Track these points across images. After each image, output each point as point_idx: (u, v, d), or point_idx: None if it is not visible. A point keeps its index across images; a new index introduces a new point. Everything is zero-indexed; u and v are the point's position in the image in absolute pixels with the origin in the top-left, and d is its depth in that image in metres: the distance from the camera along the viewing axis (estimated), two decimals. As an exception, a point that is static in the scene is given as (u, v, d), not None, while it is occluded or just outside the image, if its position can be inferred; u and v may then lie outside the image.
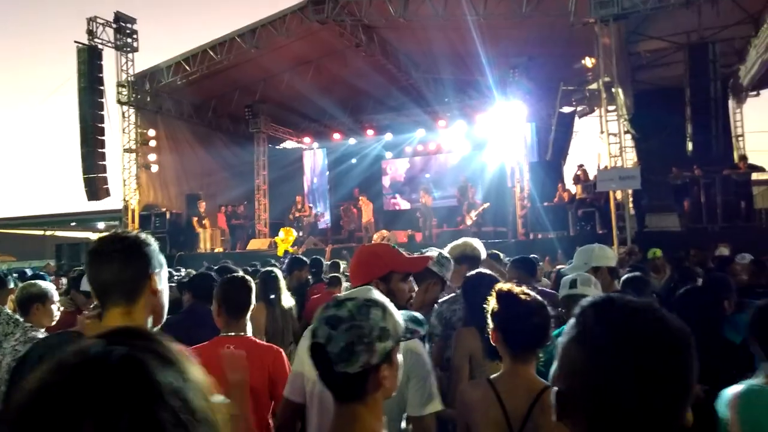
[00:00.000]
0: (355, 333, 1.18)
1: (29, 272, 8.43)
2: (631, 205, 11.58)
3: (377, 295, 1.31)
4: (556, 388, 0.91)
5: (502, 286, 2.03)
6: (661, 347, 0.84)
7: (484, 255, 3.66)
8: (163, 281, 1.56)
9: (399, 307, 2.00)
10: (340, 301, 1.25)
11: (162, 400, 0.55)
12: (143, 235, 1.56)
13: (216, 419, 0.60)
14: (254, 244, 16.40)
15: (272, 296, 4.33)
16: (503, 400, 1.83)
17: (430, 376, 1.90)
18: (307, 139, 20.59)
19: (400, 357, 1.28)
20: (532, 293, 1.99)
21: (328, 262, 7.52)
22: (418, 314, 1.40)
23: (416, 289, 2.21)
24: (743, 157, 12.82)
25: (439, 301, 3.23)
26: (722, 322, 3.30)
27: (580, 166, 13.60)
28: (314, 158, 21.76)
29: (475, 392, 1.94)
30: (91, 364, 0.56)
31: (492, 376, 1.94)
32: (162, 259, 1.57)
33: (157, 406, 0.54)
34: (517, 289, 1.99)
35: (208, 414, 0.59)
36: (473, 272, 2.93)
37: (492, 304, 1.99)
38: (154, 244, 1.56)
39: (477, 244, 3.63)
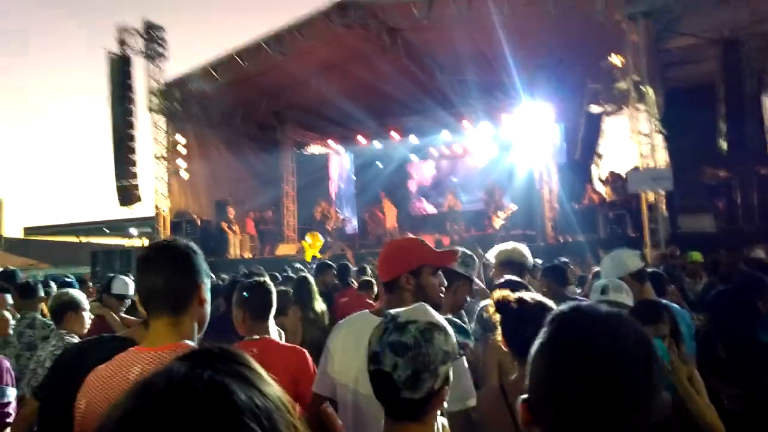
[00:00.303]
0: (422, 361, 1.19)
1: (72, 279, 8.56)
2: (664, 206, 11.35)
3: (433, 314, 1.30)
4: (523, 396, 0.93)
5: (498, 294, 2.02)
6: (615, 357, 0.86)
7: (531, 262, 3.60)
8: (208, 291, 1.57)
9: (432, 303, 2.00)
10: (401, 325, 1.24)
11: (245, 425, 0.55)
12: (192, 244, 1.56)
13: None
14: (283, 250, 16.56)
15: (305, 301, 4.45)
16: (512, 405, 1.83)
17: (467, 372, 1.90)
18: (332, 143, 20.69)
19: (451, 372, 1.29)
20: (537, 298, 1.97)
21: (355, 268, 7.54)
22: (461, 323, 1.40)
23: (445, 283, 2.17)
24: (780, 155, 12.47)
25: (481, 304, 3.24)
26: (756, 323, 3.19)
27: (611, 172, 13.38)
28: (341, 162, 21.85)
29: (487, 397, 1.95)
30: (178, 390, 0.56)
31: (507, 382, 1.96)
32: (207, 268, 1.58)
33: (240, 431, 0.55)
34: (512, 297, 1.98)
35: None
36: (502, 280, 2.91)
37: (492, 312, 2.00)
38: (200, 253, 1.57)
39: (525, 250, 3.55)
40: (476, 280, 3.05)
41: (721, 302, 3.28)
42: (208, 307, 1.57)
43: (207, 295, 1.55)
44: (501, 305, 1.96)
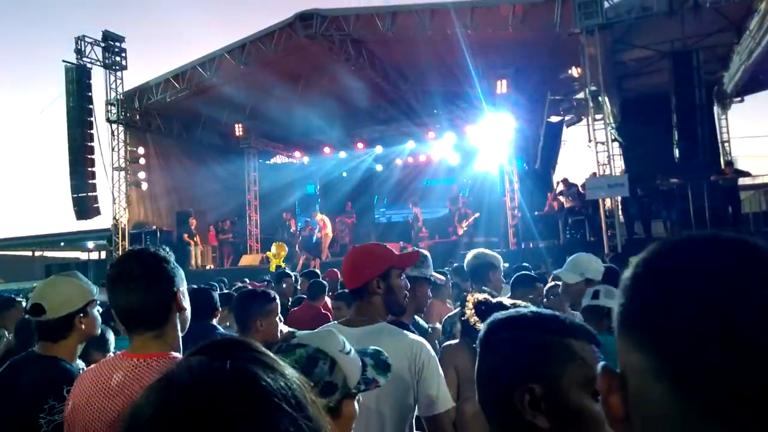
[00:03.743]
0: None
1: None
2: (620, 212, 11.68)
3: (335, 343, 1.21)
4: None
5: (477, 296, 1.99)
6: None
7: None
8: (186, 296, 1.54)
9: (398, 304, 2.00)
10: (290, 347, 1.19)
11: (279, 407, 0.55)
12: (162, 252, 1.53)
13: (321, 415, 0.61)
14: (246, 260, 16.35)
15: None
16: None
17: (440, 377, 1.88)
18: (297, 154, 20.60)
19: (354, 406, 1.21)
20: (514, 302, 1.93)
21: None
22: (388, 357, 1.31)
23: (408, 285, 2.17)
24: (729, 163, 12.97)
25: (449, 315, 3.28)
26: None
27: (564, 180, 13.69)
28: (305, 172, 21.76)
29: (471, 408, 1.92)
30: (204, 381, 0.55)
31: None
32: (182, 272, 1.54)
33: (277, 415, 0.54)
34: (481, 296, 1.96)
35: (316, 412, 0.60)
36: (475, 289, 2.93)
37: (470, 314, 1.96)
38: (171, 258, 1.53)
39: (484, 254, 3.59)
40: (435, 274, 3.06)
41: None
42: (188, 313, 1.54)
43: (185, 302, 1.52)
44: (480, 309, 1.92)
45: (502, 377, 0.96)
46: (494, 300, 1.96)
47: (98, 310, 2.11)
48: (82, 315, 1.97)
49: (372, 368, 1.24)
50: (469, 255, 3.57)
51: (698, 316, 0.46)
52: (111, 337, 3.26)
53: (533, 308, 1.04)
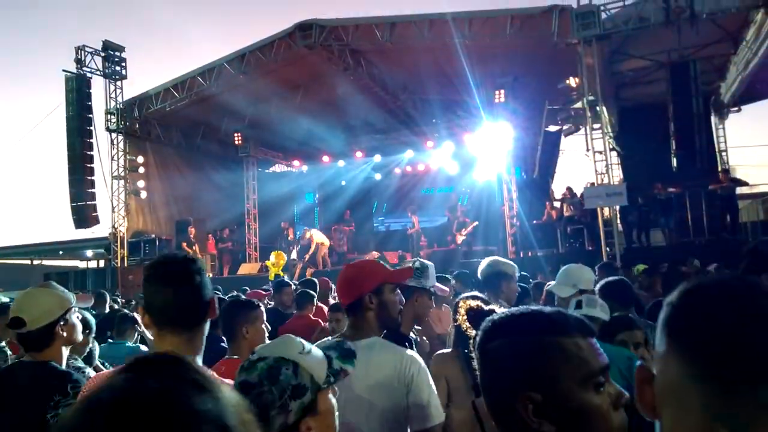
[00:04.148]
0: (266, 399, 1.17)
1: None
2: (619, 221, 11.72)
3: (292, 347, 1.24)
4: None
5: (469, 302, 1.99)
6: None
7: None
8: None
9: (392, 319, 2.02)
10: (252, 363, 1.22)
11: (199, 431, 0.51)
12: (199, 258, 1.56)
13: None
14: (244, 269, 16.35)
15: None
16: (484, 422, 1.74)
17: (431, 389, 1.87)
18: (296, 162, 20.64)
19: (331, 399, 1.25)
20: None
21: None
22: (351, 345, 1.34)
23: (403, 300, 2.18)
24: (725, 171, 13.03)
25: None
26: None
27: (568, 188, 13.73)
28: (304, 181, 21.80)
29: (458, 414, 1.92)
30: (124, 402, 0.51)
31: (478, 398, 1.90)
32: None
33: None
34: (473, 303, 1.96)
35: None
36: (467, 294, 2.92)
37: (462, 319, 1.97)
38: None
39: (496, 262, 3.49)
40: (438, 285, 3.01)
41: (658, 313, 3.37)
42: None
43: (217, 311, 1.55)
44: (473, 317, 1.92)
45: (502, 386, 0.97)
46: (486, 307, 1.96)
47: (78, 317, 2.13)
48: (62, 323, 2.01)
49: (337, 359, 1.27)
50: (483, 263, 3.49)
51: (719, 334, 0.66)
52: (96, 350, 3.29)
53: (523, 308, 1.03)
